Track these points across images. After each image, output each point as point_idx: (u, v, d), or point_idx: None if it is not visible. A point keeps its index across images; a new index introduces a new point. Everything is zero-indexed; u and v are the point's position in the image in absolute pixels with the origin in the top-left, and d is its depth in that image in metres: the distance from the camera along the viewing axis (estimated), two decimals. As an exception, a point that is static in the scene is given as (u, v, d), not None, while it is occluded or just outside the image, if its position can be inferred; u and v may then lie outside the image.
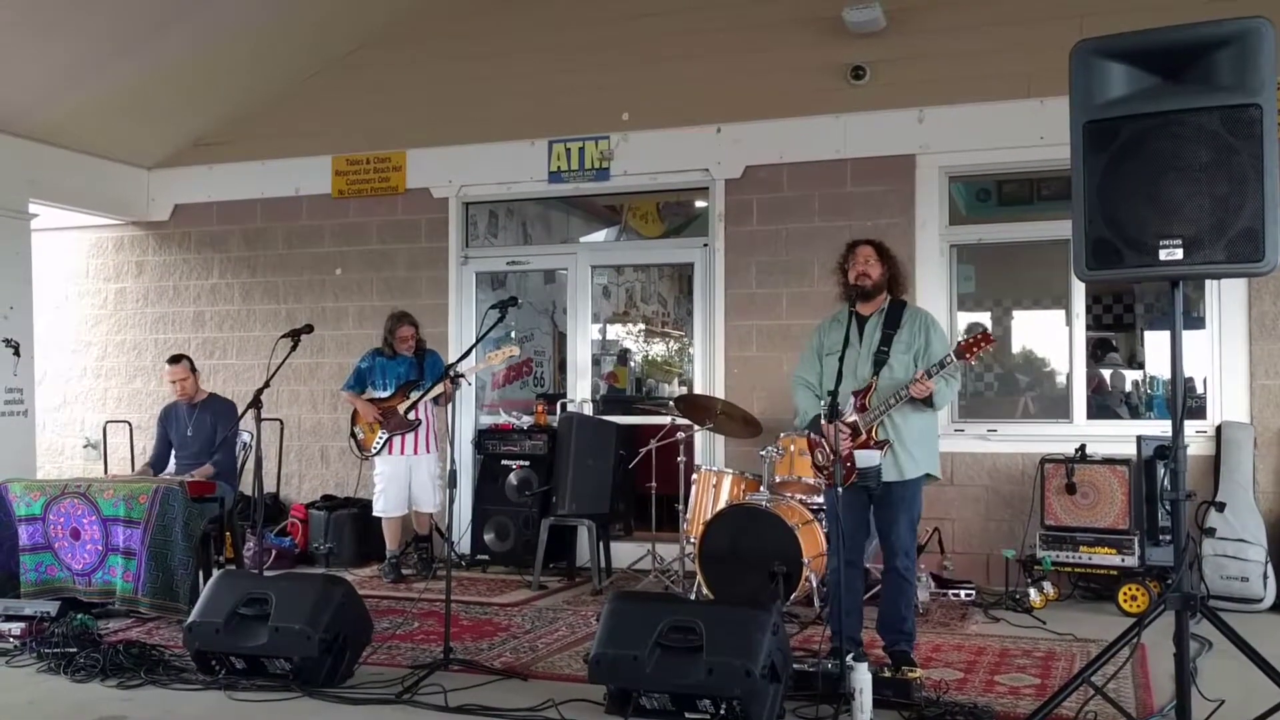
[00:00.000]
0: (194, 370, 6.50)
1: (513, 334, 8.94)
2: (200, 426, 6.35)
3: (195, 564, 5.50)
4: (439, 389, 6.62)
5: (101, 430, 8.44)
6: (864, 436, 4.39)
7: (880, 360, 4.46)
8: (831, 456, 4.37)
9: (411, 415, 6.84)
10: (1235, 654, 3.28)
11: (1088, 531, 5.98)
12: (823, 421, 4.36)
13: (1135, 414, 7.64)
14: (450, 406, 6.21)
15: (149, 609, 5.48)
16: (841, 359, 4.35)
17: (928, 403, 4.39)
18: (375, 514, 6.98)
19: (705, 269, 7.40)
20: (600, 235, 8.95)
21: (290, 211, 8.38)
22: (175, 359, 6.51)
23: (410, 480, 6.90)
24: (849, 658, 3.82)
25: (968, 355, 4.34)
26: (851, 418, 4.40)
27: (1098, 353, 8.23)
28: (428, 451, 6.90)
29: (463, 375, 5.08)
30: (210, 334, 8.59)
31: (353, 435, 7.05)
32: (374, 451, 6.93)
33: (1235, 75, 3.09)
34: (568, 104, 7.58)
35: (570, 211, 8.83)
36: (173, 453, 6.44)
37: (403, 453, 6.88)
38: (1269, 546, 5.89)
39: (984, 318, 8.37)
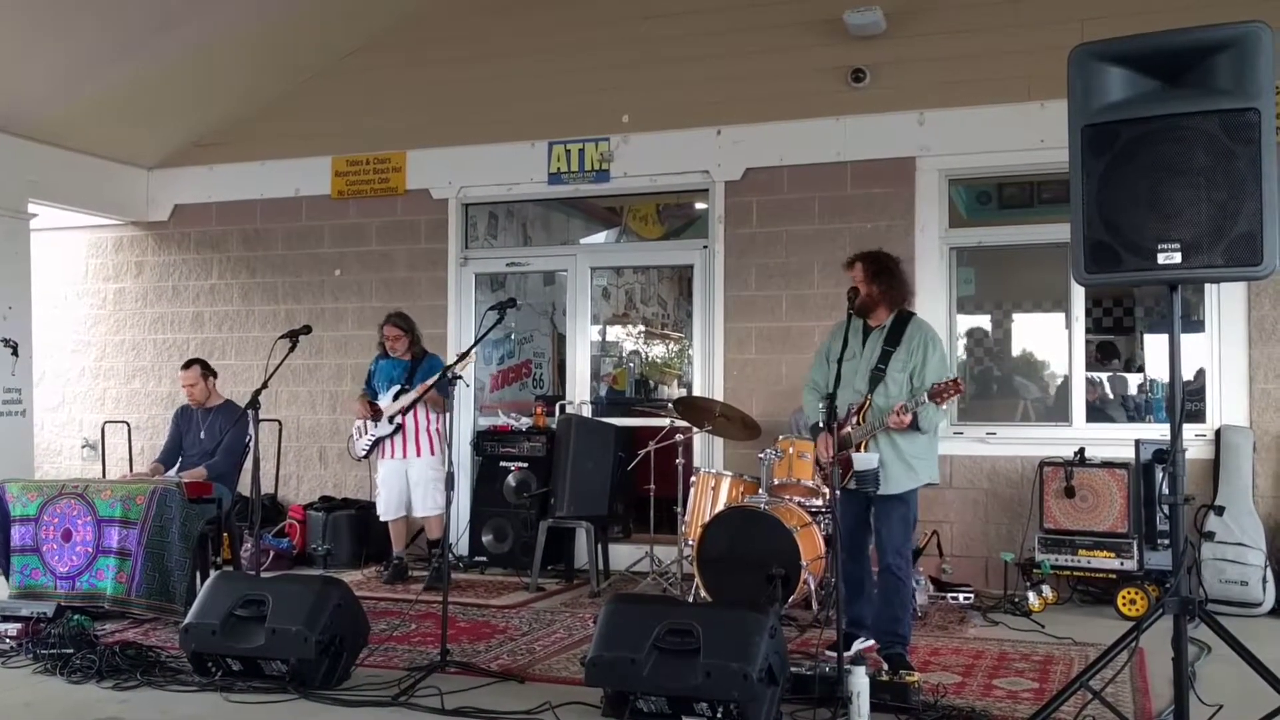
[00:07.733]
0: (208, 375, 6.47)
1: (512, 335, 8.94)
2: (212, 432, 6.34)
3: (192, 565, 5.49)
4: (413, 396, 6.60)
5: (100, 430, 8.43)
6: (853, 449, 4.41)
7: (876, 378, 4.48)
8: (830, 461, 4.39)
9: (397, 419, 6.76)
10: (1234, 658, 3.28)
11: (1086, 535, 5.97)
12: (820, 427, 4.36)
13: (1138, 417, 7.64)
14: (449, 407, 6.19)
15: (143, 610, 5.45)
16: (841, 364, 4.36)
17: (915, 426, 4.41)
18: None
19: (705, 271, 7.39)
20: (600, 237, 8.94)
21: (290, 212, 8.37)
22: (188, 364, 6.51)
23: (406, 483, 6.86)
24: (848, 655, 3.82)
25: (939, 400, 4.40)
26: (845, 429, 4.42)
27: (1099, 355, 8.21)
28: (418, 455, 6.81)
29: (459, 377, 5.04)
30: (209, 334, 8.59)
31: (350, 437, 7.07)
32: (362, 455, 6.92)
33: (1234, 79, 3.08)
34: (568, 105, 7.57)
35: (570, 213, 8.82)
36: (181, 453, 6.43)
37: (394, 456, 6.84)
38: (1268, 551, 5.88)
39: (984, 320, 8.38)
